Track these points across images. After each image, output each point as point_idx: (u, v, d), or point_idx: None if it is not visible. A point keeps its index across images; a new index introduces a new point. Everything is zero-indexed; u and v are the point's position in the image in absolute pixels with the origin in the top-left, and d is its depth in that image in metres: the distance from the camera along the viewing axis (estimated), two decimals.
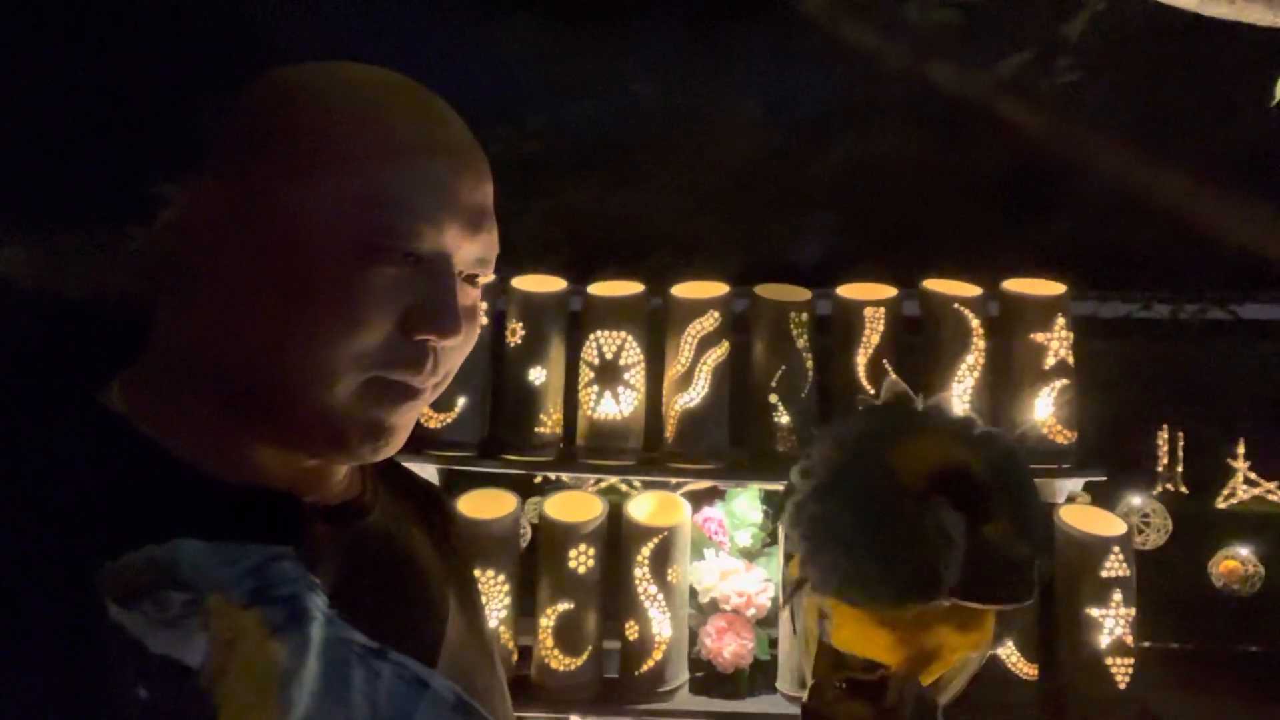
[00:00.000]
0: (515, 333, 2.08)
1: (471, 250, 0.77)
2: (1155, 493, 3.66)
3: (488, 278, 0.80)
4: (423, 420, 2.04)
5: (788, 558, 1.09)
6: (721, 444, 2.04)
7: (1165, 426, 3.76)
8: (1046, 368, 2.00)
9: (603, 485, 2.25)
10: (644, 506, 2.05)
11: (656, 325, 2.11)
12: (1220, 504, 3.89)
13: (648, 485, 2.13)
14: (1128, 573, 1.94)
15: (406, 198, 0.71)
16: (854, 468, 0.95)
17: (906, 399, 1.06)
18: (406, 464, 0.98)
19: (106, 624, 0.64)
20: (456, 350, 0.77)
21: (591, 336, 2.05)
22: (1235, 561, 3.66)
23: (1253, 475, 3.82)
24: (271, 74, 0.77)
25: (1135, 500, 3.40)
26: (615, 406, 2.03)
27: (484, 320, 2.09)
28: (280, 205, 0.71)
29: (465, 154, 0.77)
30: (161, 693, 0.64)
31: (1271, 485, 3.78)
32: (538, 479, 2.24)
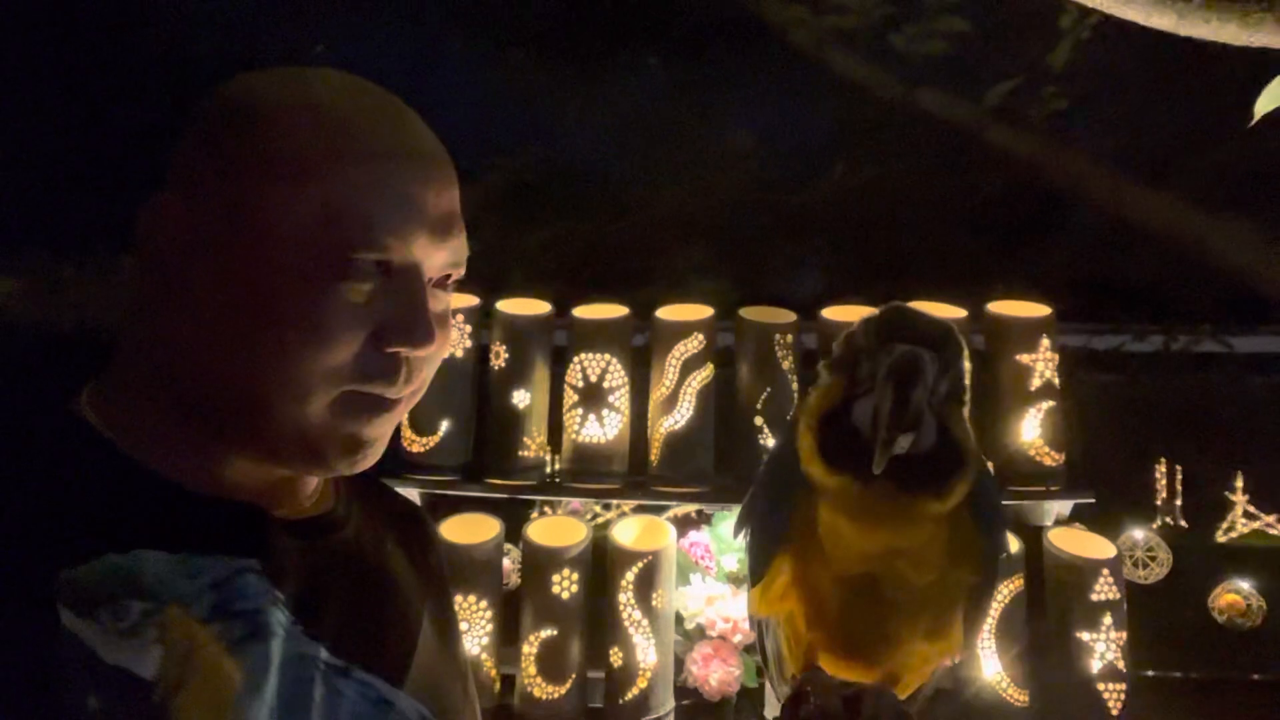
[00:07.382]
0: (499, 356, 2.07)
1: (441, 257, 0.75)
2: (1155, 526, 3.61)
3: (458, 275, 0.78)
4: (405, 444, 2.03)
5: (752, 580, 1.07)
6: (707, 467, 2.03)
7: (1163, 460, 3.71)
8: (1032, 389, 1.99)
9: (598, 522, 2.22)
10: (628, 531, 2.03)
11: (643, 351, 2.10)
12: (1220, 538, 3.83)
13: (635, 509, 2.11)
14: (1118, 596, 1.91)
15: (373, 210, 0.70)
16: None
17: None
18: None
19: (60, 631, 0.63)
20: (430, 359, 0.76)
21: (575, 359, 2.04)
22: (1236, 595, 3.61)
23: (1252, 508, 3.77)
24: (231, 83, 0.76)
25: (1137, 535, 3.37)
26: (599, 429, 2.01)
27: (468, 343, 2.08)
28: (246, 218, 0.70)
29: (430, 160, 0.75)
30: (113, 703, 0.62)
31: (1271, 518, 3.73)
32: (534, 514, 2.21)
